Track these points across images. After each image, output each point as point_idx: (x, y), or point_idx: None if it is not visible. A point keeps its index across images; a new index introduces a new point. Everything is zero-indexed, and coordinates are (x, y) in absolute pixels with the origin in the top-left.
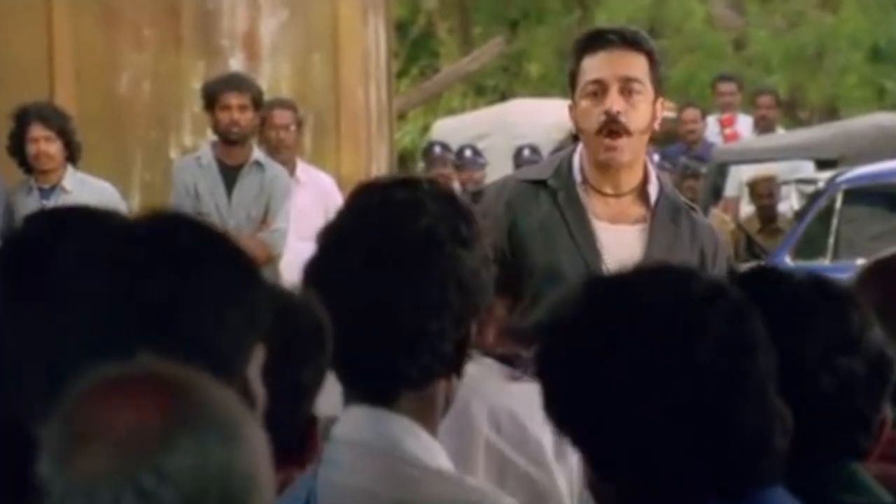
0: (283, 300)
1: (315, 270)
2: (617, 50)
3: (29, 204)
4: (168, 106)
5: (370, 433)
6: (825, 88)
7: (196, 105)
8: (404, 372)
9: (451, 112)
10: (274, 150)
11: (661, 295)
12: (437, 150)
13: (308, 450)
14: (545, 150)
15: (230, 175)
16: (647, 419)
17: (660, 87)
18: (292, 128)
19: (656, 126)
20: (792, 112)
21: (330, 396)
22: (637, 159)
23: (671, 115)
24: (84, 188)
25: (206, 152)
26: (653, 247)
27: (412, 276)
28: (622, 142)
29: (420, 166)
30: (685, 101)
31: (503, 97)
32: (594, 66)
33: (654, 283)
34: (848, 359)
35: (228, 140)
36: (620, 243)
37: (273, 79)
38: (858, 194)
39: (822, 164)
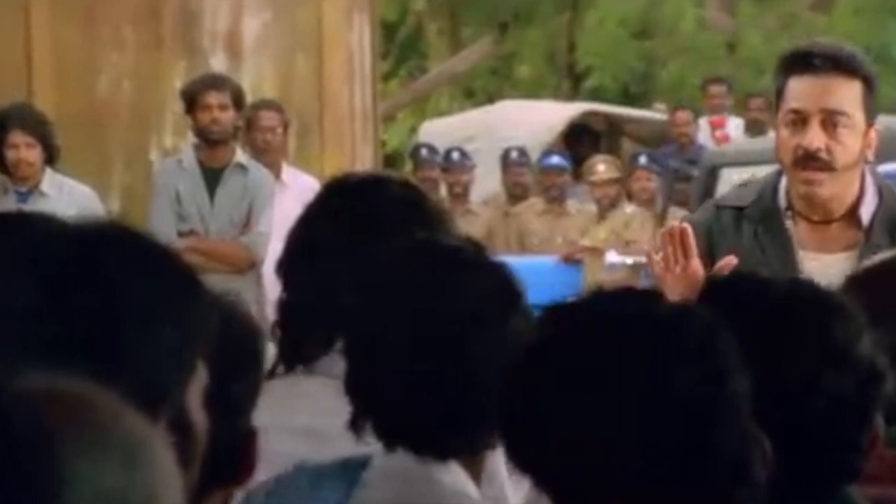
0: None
1: (362, 342)
2: (824, 76)
3: (5, 205)
4: (148, 107)
5: (405, 465)
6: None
7: (177, 106)
8: (455, 447)
9: (440, 114)
10: (260, 152)
11: (623, 320)
12: (425, 152)
13: (246, 467)
14: (534, 153)
15: (212, 177)
16: (617, 449)
17: (874, 115)
18: (279, 130)
19: (869, 156)
20: None
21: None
22: (847, 188)
23: (663, 117)
24: (62, 192)
25: (188, 154)
26: None
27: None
28: (823, 176)
29: (407, 168)
30: (677, 103)
31: (491, 99)
32: (797, 92)
33: (616, 309)
34: (834, 375)
35: (210, 140)
36: (827, 275)
37: (255, 79)
38: None
39: None
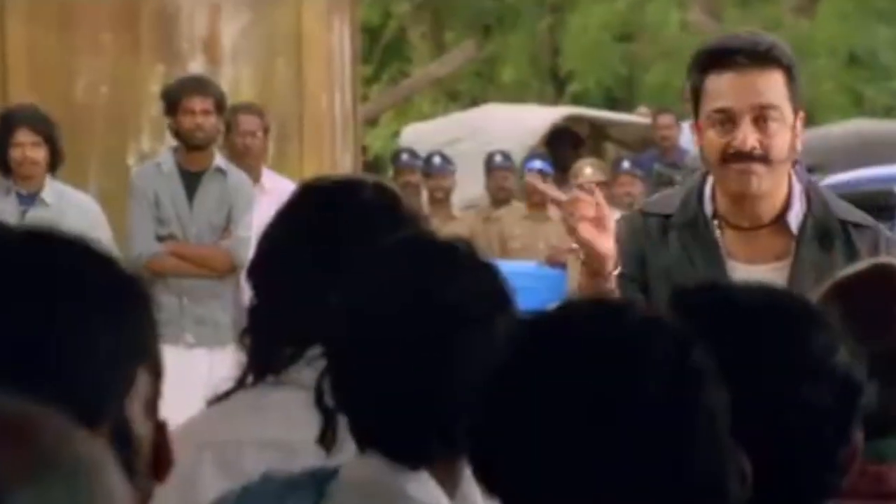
0: None
1: (345, 338)
2: (747, 71)
3: (6, 207)
4: (126, 111)
5: (376, 476)
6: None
7: (155, 110)
8: (432, 449)
9: (423, 118)
10: (240, 156)
11: (592, 331)
12: (405, 157)
13: (162, 461)
14: (517, 157)
15: (191, 181)
16: (590, 466)
17: (800, 102)
18: (259, 134)
19: (798, 146)
20: None
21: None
22: (777, 188)
23: (646, 121)
24: (62, 200)
25: (166, 158)
26: (795, 286)
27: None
28: (758, 167)
29: (390, 173)
30: (660, 107)
31: (475, 103)
32: (721, 90)
33: (584, 319)
34: (810, 388)
35: (192, 145)
36: None
37: (234, 84)
38: None
39: None
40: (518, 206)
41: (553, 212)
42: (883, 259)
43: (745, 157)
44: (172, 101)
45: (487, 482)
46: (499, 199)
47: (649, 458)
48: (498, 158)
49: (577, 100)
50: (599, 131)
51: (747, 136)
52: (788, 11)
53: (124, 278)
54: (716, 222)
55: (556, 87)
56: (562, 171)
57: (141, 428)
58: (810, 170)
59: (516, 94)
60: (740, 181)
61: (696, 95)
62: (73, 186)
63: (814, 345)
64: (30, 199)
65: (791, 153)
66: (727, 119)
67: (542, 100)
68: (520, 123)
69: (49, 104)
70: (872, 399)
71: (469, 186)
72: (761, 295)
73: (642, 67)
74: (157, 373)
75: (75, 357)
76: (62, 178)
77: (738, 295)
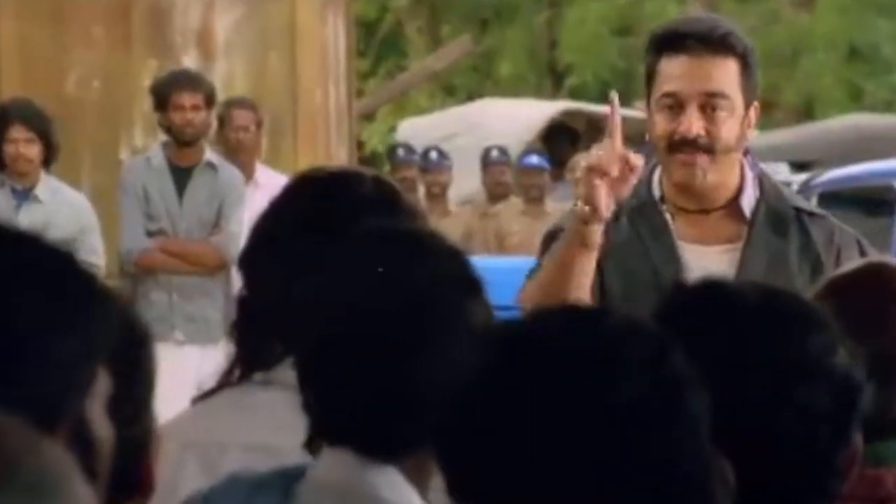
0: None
1: (315, 328)
2: (699, 56)
3: (0, 200)
4: (118, 105)
5: (345, 476)
6: (801, 89)
7: (147, 104)
8: (405, 445)
9: (420, 112)
10: (233, 151)
11: (567, 338)
12: (401, 152)
13: (137, 484)
14: (514, 152)
15: (181, 177)
16: (569, 475)
17: (754, 93)
18: (252, 128)
19: (749, 137)
20: (766, 113)
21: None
22: (727, 177)
23: (643, 115)
24: (56, 197)
25: (156, 153)
26: (746, 269)
27: (434, 343)
28: (702, 159)
29: (386, 168)
30: None
31: (471, 97)
32: (671, 73)
33: (558, 327)
34: (807, 389)
35: (182, 141)
36: (709, 269)
37: (227, 78)
38: (834, 197)
39: (796, 167)
40: (515, 202)
41: (550, 206)
42: (878, 258)
43: (689, 145)
44: (162, 96)
45: (463, 495)
46: (496, 194)
47: (634, 461)
48: (494, 153)
49: (574, 94)
50: (597, 126)
51: (692, 123)
52: (787, 5)
53: (82, 276)
54: (665, 206)
55: (553, 81)
56: (559, 165)
57: (101, 429)
58: (807, 165)
59: (513, 89)
60: (684, 173)
61: (650, 78)
62: (65, 181)
63: (811, 345)
64: (23, 194)
65: (739, 144)
66: (675, 104)
67: (539, 94)
68: (517, 118)
69: (41, 98)
70: (869, 401)
71: (466, 181)
72: (758, 294)
73: (640, 61)
74: (144, 379)
75: (32, 358)
76: (54, 173)
77: (734, 294)
